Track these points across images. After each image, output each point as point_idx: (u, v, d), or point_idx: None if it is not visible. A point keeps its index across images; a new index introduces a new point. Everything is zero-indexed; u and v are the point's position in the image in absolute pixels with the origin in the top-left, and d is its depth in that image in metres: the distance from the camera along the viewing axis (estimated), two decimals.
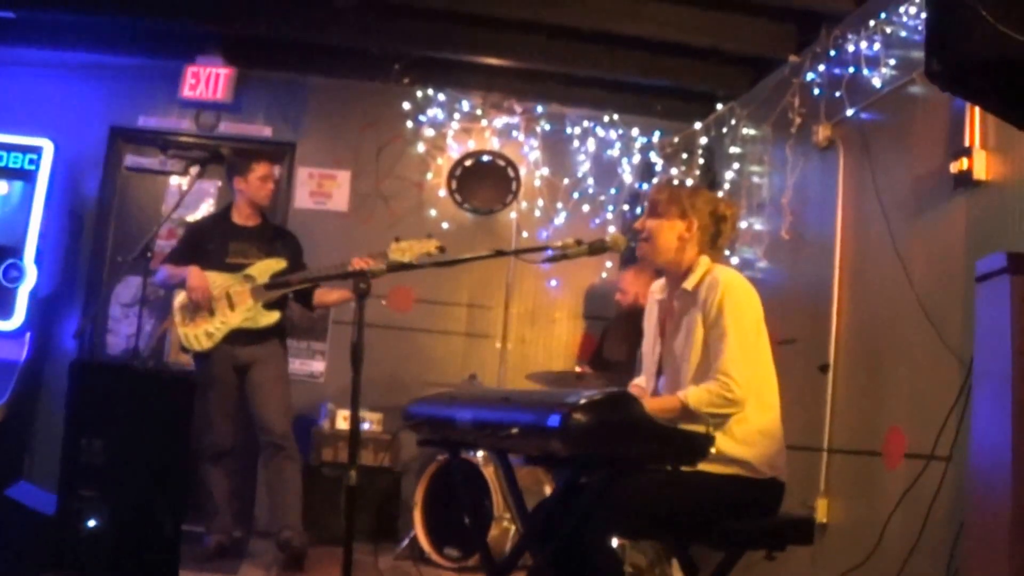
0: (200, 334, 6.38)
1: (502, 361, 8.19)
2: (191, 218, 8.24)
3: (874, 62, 5.90)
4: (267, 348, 6.52)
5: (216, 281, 6.39)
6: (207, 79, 8.25)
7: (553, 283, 8.50)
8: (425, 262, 4.58)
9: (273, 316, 6.49)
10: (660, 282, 4.32)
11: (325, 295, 6.69)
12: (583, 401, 3.10)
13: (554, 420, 3.07)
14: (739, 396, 3.69)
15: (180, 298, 6.45)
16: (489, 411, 3.51)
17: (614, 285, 8.10)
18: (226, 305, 6.40)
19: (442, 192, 8.45)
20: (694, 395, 3.71)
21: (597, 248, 4.06)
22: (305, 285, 6.43)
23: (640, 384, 4.34)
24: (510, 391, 4.80)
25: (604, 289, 8.45)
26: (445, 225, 8.35)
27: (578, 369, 7.10)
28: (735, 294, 3.86)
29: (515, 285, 8.39)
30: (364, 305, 3.88)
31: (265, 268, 6.50)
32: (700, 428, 3.62)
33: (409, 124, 8.46)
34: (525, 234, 8.45)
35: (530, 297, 8.52)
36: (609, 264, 8.47)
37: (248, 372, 6.49)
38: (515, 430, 3.24)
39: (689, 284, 4.01)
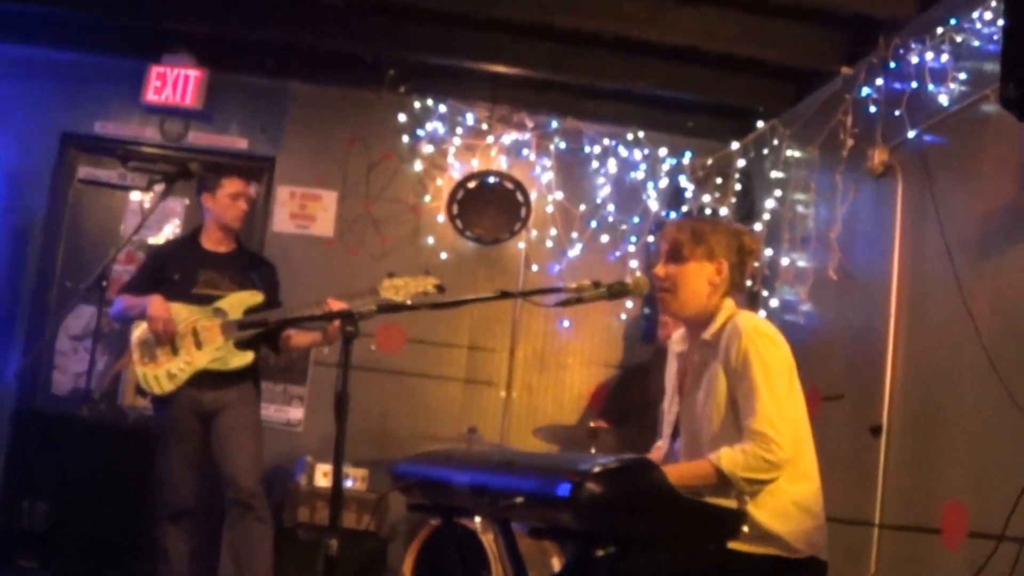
0: (161, 375, 6.33)
1: (506, 412, 8.18)
2: (154, 240, 8.24)
3: (940, 76, 5.88)
4: (237, 392, 6.48)
5: (182, 315, 6.35)
6: (174, 82, 8.27)
7: (565, 324, 8.49)
8: (421, 302, 4.55)
9: (246, 357, 6.44)
10: (680, 332, 4.28)
11: (297, 338, 6.65)
12: (597, 469, 3.06)
13: (564, 489, 3.04)
14: (781, 458, 3.63)
15: (139, 332, 6.40)
16: (490, 475, 3.47)
17: (635, 327, 8.11)
18: (192, 342, 6.35)
19: (441, 217, 8.46)
20: (728, 457, 3.63)
21: (617, 291, 4.01)
22: (283, 324, 6.40)
23: (661, 447, 4.31)
24: (514, 452, 4.77)
25: (623, 331, 8.43)
26: (444, 255, 8.37)
27: (593, 424, 7.06)
28: (760, 341, 3.80)
29: (522, 325, 8.40)
30: (350, 350, 3.86)
31: (238, 302, 6.47)
32: (730, 503, 3.59)
33: (405, 139, 8.49)
34: (535, 267, 8.47)
35: (539, 339, 8.51)
36: (630, 304, 8.43)
37: (214, 419, 6.44)
38: (519, 499, 3.21)
39: (708, 333, 3.97)
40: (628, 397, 7.75)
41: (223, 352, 6.38)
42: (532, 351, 8.48)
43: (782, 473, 3.67)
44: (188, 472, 6.42)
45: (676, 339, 4.29)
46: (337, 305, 6.03)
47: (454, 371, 8.42)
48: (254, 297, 6.52)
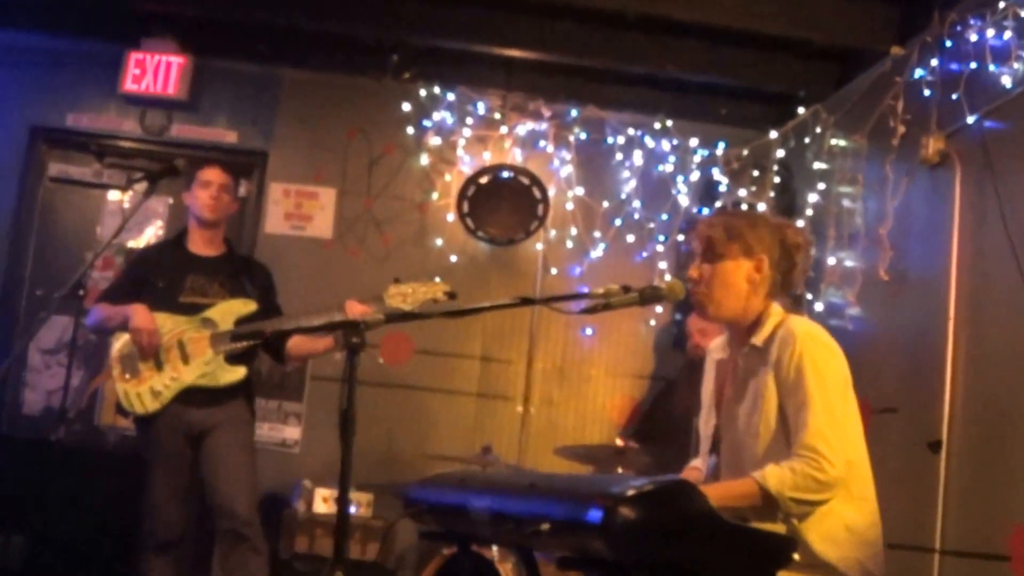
0: (144, 392, 6.30)
1: (523, 429, 8.17)
2: (134, 244, 8.23)
3: (1003, 55, 5.85)
4: (229, 411, 6.45)
5: (167, 325, 6.33)
6: (155, 69, 8.28)
7: (588, 332, 8.49)
8: (432, 311, 4.52)
9: (237, 372, 6.42)
10: (721, 339, 4.29)
11: (305, 345, 6.61)
12: (631, 492, 3.05)
13: (595, 515, 3.03)
14: (832, 476, 3.62)
15: (119, 345, 6.37)
16: (512, 499, 3.47)
17: (666, 333, 8.08)
18: (178, 356, 6.33)
19: (450, 216, 8.45)
20: (774, 476, 3.63)
21: (649, 297, 3.97)
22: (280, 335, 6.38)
23: (698, 466, 4.29)
24: (538, 474, 4.77)
25: (652, 339, 8.41)
26: (454, 258, 8.38)
27: (619, 442, 7.04)
28: (816, 350, 3.82)
29: (540, 334, 8.41)
30: (356, 363, 3.84)
31: (228, 311, 6.45)
32: (778, 527, 3.57)
33: (410, 130, 8.49)
34: (554, 270, 8.47)
35: (559, 349, 8.51)
36: (659, 308, 8.43)
37: (204, 441, 6.42)
38: (545, 526, 3.20)
39: (758, 339, 3.98)
40: (656, 414, 7.74)
41: (212, 367, 6.36)
42: (552, 362, 8.48)
43: (834, 494, 3.66)
44: (174, 499, 6.38)
45: (716, 346, 4.30)
46: (357, 308, 6.02)
47: (466, 384, 8.42)
48: (246, 306, 6.50)
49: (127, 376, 6.33)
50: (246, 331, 6.30)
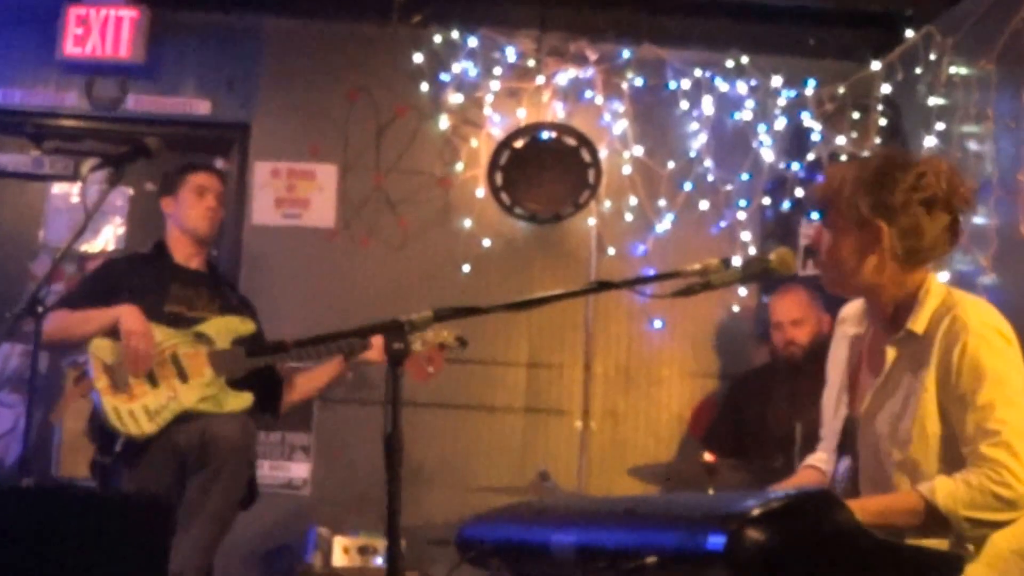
0: (138, 411, 6.26)
1: (584, 449, 8.21)
2: (88, 248, 8.22)
3: None
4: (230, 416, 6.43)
5: (156, 337, 6.38)
6: (103, 26, 8.25)
7: (657, 324, 8.49)
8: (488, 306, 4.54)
9: (244, 399, 6.49)
10: (855, 306, 4.27)
11: (311, 381, 6.67)
12: (758, 511, 3.06)
13: (717, 541, 3.04)
14: (1022, 493, 3.58)
15: (103, 352, 6.32)
16: (604, 530, 3.48)
17: (753, 321, 8.09)
18: (174, 373, 6.38)
19: (480, 191, 8.45)
20: (945, 489, 3.60)
21: (755, 272, 3.95)
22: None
23: (819, 465, 4.31)
24: (633, 497, 4.79)
25: (737, 329, 8.41)
26: (487, 242, 8.38)
27: (708, 457, 7.06)
28: (994, 341, 3.77)
29: (598, 331, 8.44)
30: (400, 374, 3.86)
31: (226, 328, 6.51)
32: (940, 543, 3.59)
33: (424, 87, 8.49)
34: (611, 250, 8.47)
35: (622, 347, 8.52)
36: (743, 291, 8.43)
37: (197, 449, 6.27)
38: (651, 559, 3.23)
39: (918, 325, 3.88)
40: (743, 420, 7.72)
41: (215, 390, 6.40)
42: (614, 364, 8.48)
43: (1019, 515, 3.62)
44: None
45: (849, 316, 4.29)
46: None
47: (511, 398, 8.42)
48: (244, 324, 6.57)
49: (115, 390, 6.28)
50: (267, 347, 6.28)
